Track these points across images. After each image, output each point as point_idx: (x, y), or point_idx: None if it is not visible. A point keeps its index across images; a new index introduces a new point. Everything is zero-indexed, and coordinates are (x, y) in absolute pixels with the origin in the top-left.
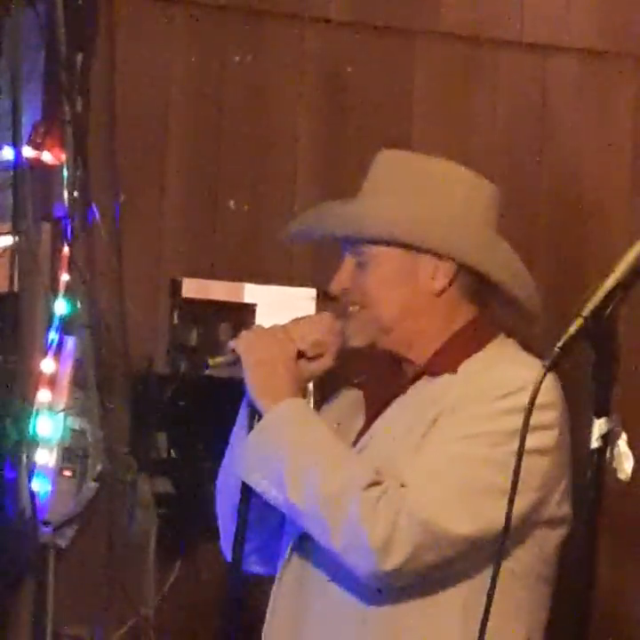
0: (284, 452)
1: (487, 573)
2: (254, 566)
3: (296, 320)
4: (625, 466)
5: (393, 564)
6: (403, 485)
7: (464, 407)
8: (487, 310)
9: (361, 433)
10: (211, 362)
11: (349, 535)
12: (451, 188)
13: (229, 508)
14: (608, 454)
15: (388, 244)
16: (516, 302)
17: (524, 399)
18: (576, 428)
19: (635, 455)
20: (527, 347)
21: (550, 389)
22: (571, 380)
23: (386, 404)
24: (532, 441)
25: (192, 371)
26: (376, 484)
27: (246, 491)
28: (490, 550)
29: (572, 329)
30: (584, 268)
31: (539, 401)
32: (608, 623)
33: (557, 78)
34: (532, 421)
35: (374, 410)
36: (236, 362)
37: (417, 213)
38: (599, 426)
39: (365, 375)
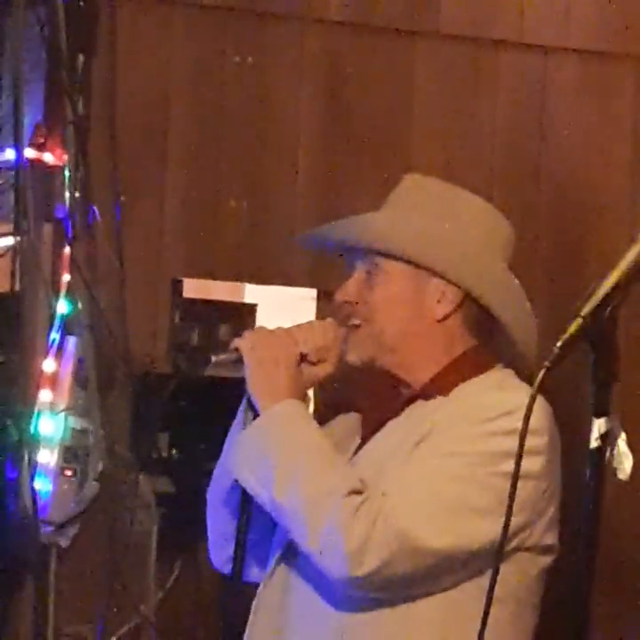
0: (274, 452)
1: (468, 592)
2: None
3: (300, 324)
4: (624, 465)
5: (365, 571)
6: (384, 494)
7: (451, 426)
8: (487, 342)
9: (355, 453)
10: (214, 359)
11: (327, 539)
12: (472, 219)
13: (220, 508)
14: (608, 454)
15: (401, 260)
16: (512, 342)
17: (512, 423)
18: (576, 428)
19: (634, 455)
20: (525, 379)
21: (540, 415)
22: (570, 380)
23: (380, 425)
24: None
25: (193, 370)
26: (358, 492)
27: (246, 502)
28: (470, 569)
29: (572, 329)
30: (584, 268)
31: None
32: (607, 623)
33: (557, 79)
34: (517, 445)
35: (369, 431)
36: (239, 360)
37: (434, 236)
38: (599, 426)
39: (363, 397)
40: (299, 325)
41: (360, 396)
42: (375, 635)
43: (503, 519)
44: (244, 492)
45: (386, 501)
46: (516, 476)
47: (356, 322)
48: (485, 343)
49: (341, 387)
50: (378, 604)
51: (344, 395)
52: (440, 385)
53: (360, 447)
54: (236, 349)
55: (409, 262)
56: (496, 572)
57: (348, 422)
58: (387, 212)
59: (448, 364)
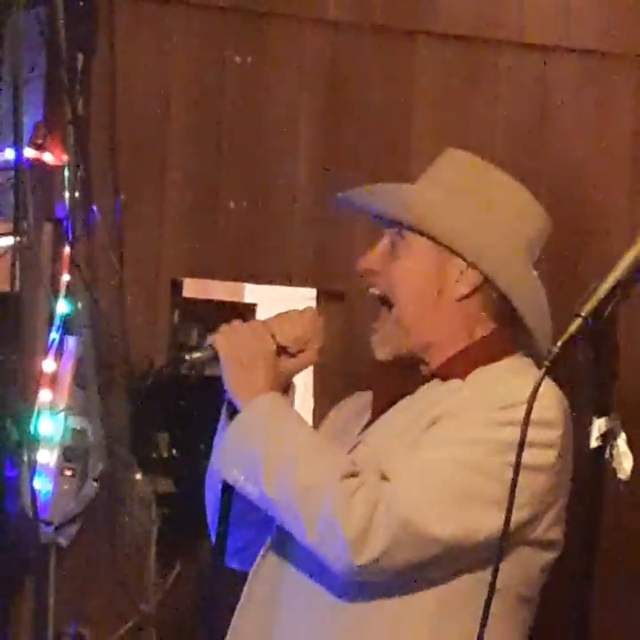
0: (259, 447)
1: (464, 583)
2: (236, 563)
3: (277, 315)
4: (624, 465)
5: (367, 558)
6: (384, 479)
7: (464, 412)
8: (508, 329)
9: (364, 429)
10: (188, 357)
11: (324, 527)
12: (505, 202)
13: (213, 506)
14: (607, 454)
15: (425, 235)
16: (529, 332)
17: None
18: (575, 428)
19: (634, 454)
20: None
21: (555, 407)
22: (570, 380)
23: (393, 402)
24: (527, 457)
25: (174, 369)
26: (353, 475)
27: (228, 489)
28: (473, 559)
29: (572, 329)
30: (584, 268)
31: (542, 417)
32: (607, 626)
33: (558, 79)
34: (532, 437)
35: (380, 408)
36: (215, 357)
37: (460, 215)
38: (599, 425)
39: (377, 374)
40: (277, 315)
41: (374, 373)
42: (367, 622)
43: (514, 511)
44: (226, 486)
45: (388, 486)
46: (517, 468)
47: (376, 291)
48: (506, 329)
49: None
50: (373, 595)
51: (346, 382)
52: (457, 367)
53: (370, 423)
54: (211, 346)
55: (432, 238)
56: (496, 571)
57: (358, 402)
58: (420, 185)
59: (466, 347)
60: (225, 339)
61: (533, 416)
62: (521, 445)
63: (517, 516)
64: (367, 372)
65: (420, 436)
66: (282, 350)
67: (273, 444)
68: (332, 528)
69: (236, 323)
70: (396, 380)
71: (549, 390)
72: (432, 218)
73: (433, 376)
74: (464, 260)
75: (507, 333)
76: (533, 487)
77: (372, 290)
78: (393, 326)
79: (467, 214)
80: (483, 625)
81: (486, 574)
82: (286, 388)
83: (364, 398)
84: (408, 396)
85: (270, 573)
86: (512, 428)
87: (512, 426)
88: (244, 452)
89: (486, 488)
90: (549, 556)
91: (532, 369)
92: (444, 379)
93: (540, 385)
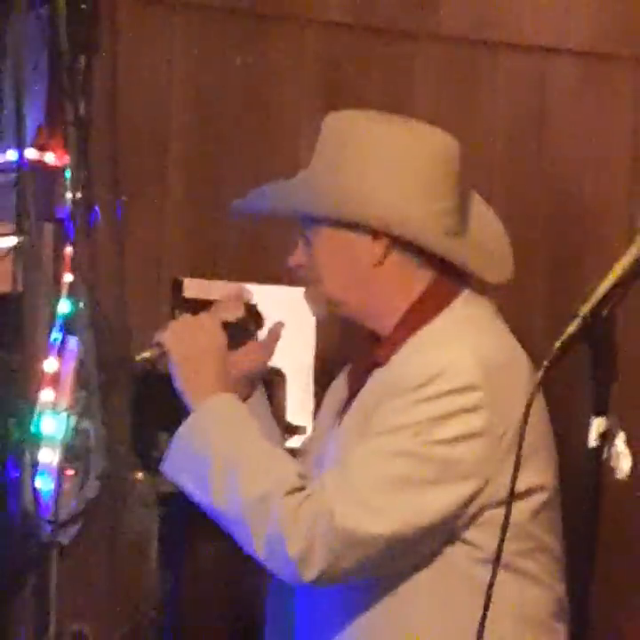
0: (207, 454)
1: (449, 557)
2: None
3: (217, 303)
4: (623, 465)
5: (314, 574)
6: (322, 486)
7: (386, 400)
8: (448, 269)
9: (342, 411)
10: (137, 357)
11: (271, 546)
12: (387, 150)
13: None
14: (606, 453)
15: (321, 221)
16: (463, 268)
17: (442, 386)
18: (575, 428)
19: (633, 454)
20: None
21: (467, 371)
22: (569, 380)
23: (365, 375)
24: (454, 428)
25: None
26: (299, 489)
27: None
28: (436, 541)
29: (571, 329)
30: (583, 268)
31: (454, 386)
32: (607, 624)
33: (557, 80)
34: (448, 408)
35: (354, 383)
36: (163, 356)
37: (345, 188)
38: (597, 425)
39: (352, 351)
40: (217, 303)
41: (350, 346)
42: (372, 620)
43: (451, 486)
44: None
45: (323, 495)
46: (516, 467)
47: (306, 284)
48: (446, 270)
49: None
50: (370, 590)
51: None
52: (387, 348)
53: (347, 404)
54: (159, 344)
55: (329, 222)
56: (495, 572)
57: (342, 378)
58: (304, 173)
59: (408, 309)
60: (173, 336)
61: (445, 387)
62: (520, 446)
63: (464, 488)
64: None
65: (362, 433)
66: (239, 332)
67: (221, 451)
68: (278, 547)
69: (185, 317)
70: (367, 353)
71: (458, 358)
72: (318, 203)
73: (373, 365)
74: (365, 230)
75: (448, 275)
76: (470, 456)
77: (306, 285)
78: (320, 295)
79: (350, 185)
80: (482, 624)
81: (465, 548)
82: (254, 383)
83: (345, 373)
84: (379, 369)
85: (282, 588)
86: (427, 404)
87: (427, 402)
88: (193, 458)
89: (417, 471)
90: (534, 500)
91: (467, 324)
92: (382, 365)
93: (538, 386)
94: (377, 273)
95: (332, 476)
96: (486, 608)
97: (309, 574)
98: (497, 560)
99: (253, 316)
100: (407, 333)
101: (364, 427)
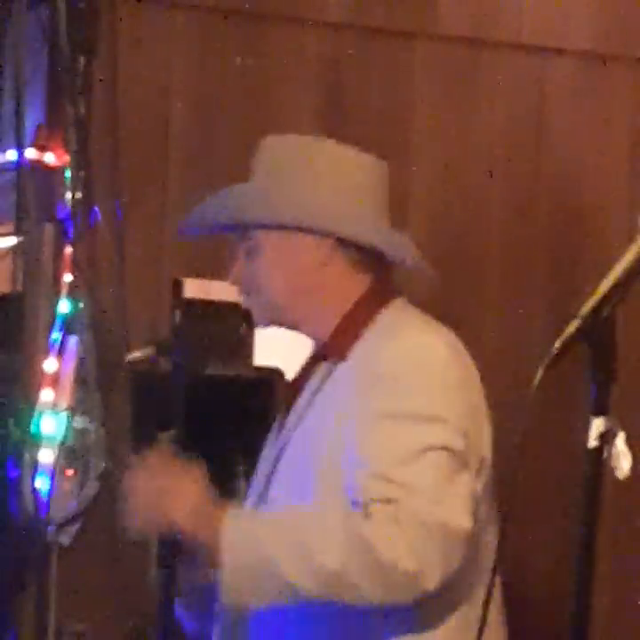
0: (265, 557)
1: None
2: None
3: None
4: (623, 464)
5: (435, 581)
6: (389, 502)
7: (367, 388)
8: (385, 272)
9: (281, 425)
10: (128, 358)
11: (385, 576)
12: (329, 167)
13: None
14: (606, 453)
15: (266, 227)
16: (402, 266)
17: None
18: (574, 428)
19: (632, 454)
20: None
21: (397, 359)
22: (569, 380)
23: (297, 391)
24: (407, 405)
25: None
26: (361, 515)
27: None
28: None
29: (570, 329)
30: (583, 268)
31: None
32: (607, 625)
33: (556, 80)
34: (445, 384)
35: (288, 398)
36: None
37: (286, 194)
38: (597, 425)
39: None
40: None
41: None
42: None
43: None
44: (170, 545)
45: (399, 506)
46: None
47: (247, 296)
48: (383, 274)
49: None
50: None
51: None
52: (339, 342)
53: (283, 417)
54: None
55: (273, 227)
56: (495, 570)
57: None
58: (243, 185)
59: (346, 314)
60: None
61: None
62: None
63: (474, 463)
64: None
65: (335, 446)
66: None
67: (275, 548)
68: (393, 571)
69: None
70: (304, 365)
71: (428, 341)
72: (262, 208)
73: (324, 356)
74: (307, 232)
75: (383, 282)
76: (468, 438)
77: (246, 297)
78: (264, 303)
79: (297, 191)
80: (482, 624)
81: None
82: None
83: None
84: (309, 382)
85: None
86: (419, 393)
87: (419, 389)
88: (259, 585)
89: (447, 462)
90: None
91: (412, 318)
92: (331, 359)
93: (538, 387)
94: (321, 275)
95: (385, 486)
96: (486, 608)
97: (431, 583)
98: (496, 564)
99: (246, 319)
100: (348, 340)
101: (326, 439)
